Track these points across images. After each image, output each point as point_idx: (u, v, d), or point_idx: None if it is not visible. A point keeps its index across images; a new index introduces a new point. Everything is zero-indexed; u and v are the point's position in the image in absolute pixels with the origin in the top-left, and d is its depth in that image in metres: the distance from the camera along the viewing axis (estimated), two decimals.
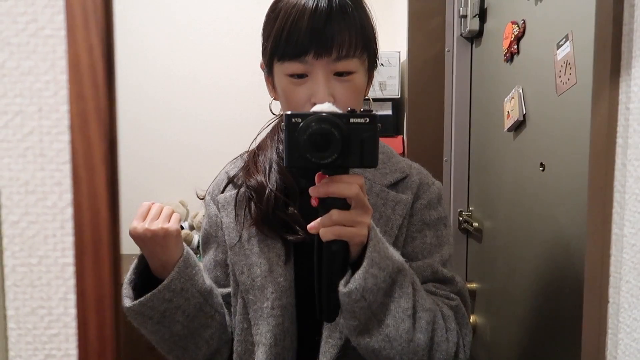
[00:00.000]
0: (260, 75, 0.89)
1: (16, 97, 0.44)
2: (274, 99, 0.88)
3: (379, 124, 0.65)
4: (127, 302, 0.78)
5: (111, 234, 0.44)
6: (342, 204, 0.66)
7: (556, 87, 1.14)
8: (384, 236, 0.74)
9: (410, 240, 0.86)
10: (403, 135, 1.82)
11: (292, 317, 0.83)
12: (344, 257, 0.69)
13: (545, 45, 1.19)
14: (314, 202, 0.67)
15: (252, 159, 0.92)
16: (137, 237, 0.77)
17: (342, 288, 0.68)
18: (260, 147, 0.93)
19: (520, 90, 1.32)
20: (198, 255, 0.90)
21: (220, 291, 0.90)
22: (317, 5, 0.75)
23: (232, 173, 0.93)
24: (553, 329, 1.18)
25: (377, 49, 0.85)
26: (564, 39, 1.10)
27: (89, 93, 0.43)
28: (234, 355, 0.88)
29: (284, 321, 0.82)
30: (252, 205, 0.86)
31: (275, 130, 0.94)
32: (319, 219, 0.67)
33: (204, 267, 0.92)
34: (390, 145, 0.95)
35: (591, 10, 0.59)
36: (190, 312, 0.81)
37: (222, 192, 0.92)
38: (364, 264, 0.68)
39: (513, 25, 1.36)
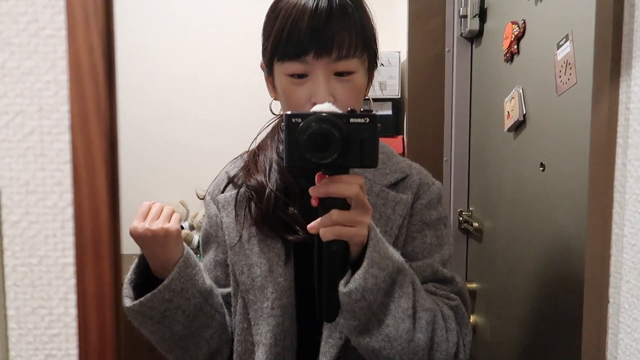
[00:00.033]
0: (261, 75, 0.89)
1: (17, 97, 0.44)
2: (274, 99, 0.88)
3: (379, 124, 0.65)
4: (128, 302, 0.78)
5: (111, 234, 0.44)
6: (342, 204, 0.66)
7: (556, 87, 1.14)
8: (384, 236, 0.74)
9: (410, 240, 0.86)
10: (403, 135, 1.82)
11: (292, 317, 0.83)
12: (344, 257, 0.69)
13: (546, 45, 1.19)
14: (314, 202, 0.67)
15: (252, 159, 0.92)
16: (137, 237, 0.77)
17: (342, 288, 0.68)
18: (261, 147, 0.93)
19: (521, 90, 1.32)
20: (198, 255, 0.90)
21: (220, 291, 0.90)
22: (317, 5, 0.75)
23: (232, 173, 0.93)
24: (553, 329, 1.18)
25: (377, 49, 0.85)
26: (564, 39, 1.10)
27: (89, 93, 0.43)
28: (234, 355, 0.88)
29: (284, 321, 0.82)
30: (252, 205, 0.86)
31: (275, 130, 0.94)
32: (319, 219, 0.67)
33: (204, 267, 0.92)
34: (390, 145, 0.95)
35: (591, 10, 0.59)
36: (191, 312, 0.81)
37: (222, 192, 0.92)
38: (364, 264, 0.68)
39: (513, 25, 1.36)
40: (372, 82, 0.88)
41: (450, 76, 1.71)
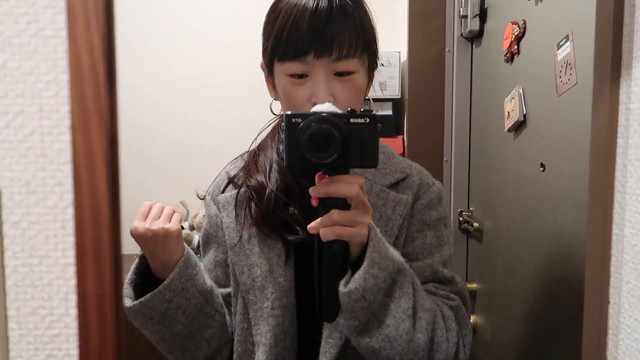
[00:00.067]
0: (261, 76, 0.90)
1: (17, 97, 0.44)
2: (275, 99, 0.88)
3: (379, 124, 0.65)
4: (128, 302, 0.78)
5: (112, 234, 0.44)
6: (343, 204, 0.66)
7: (556, 87, 1.14)
8: (384, 236, 0.74)
9: (410, 241, 0.86)
10: (403, 135, 1.82)
11: (292, 317, 0.83)
12: (344, 257, 0.69)
13: (546, 46, 1.19)
14: (314, 202, 0.67)
15: (253, 159, 0.92)
16: (138, 236, 0.77)
17: (342, 288, 0.68)
18: (261, 147, 0.93)
19: (521, 91, 1.32)
20: (198, 255, 0.90)
21: (220, 291, 0.90)
22: (317, 5, 0.75)
23: (232, 173, 0.93)
24: (553, 329, 1.18)
25: (377, 49, 0.85)
26: (565, 39, 1.10)
27: (90, 93, 0.43)
28: (234, 355, 0.88)
29: (284, 321, 0.82)
30: (253, 205, 0.86)
31: (275, 130, 0.94)
32: (319, 219, 0.67)
33: (204, 267, 0.92)
34: (391, 146, 0.95)
35: (591, 11, 0.59)
36: (191, 312, 0.81)
37: (223, 192, 0.92)
38: (364, 264, 0.68)
39: (513, 26, 1.36)
40: (372, 82, 0.88)
41: (451, 76, 1.71)
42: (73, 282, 0.45)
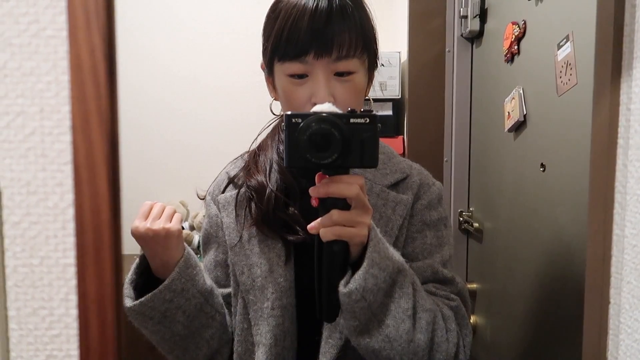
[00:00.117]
0: (261, 76, 0.90)
1: (18, 97, 0.44)
2: (275, 99, 0.88)
3: (379, 124, 0.65)
4: (128, 302, 0.78)
5: (112, 235, 0.44)
6: (343, 204, 0.66)
7: (557, 87, 1.14)
8: (384, 237, 0.74)
9: (410, 241, 0.86)
10: (403, 135, 1.82)
11: (292, 317, 0.83)
12: (344, 257, 0.69)
13: (546, 46, 1.19)
14: (314, 202, 0.67)
15: (253, 159, 0.92)
16: (138, 236, 0.77)
17: (342, 288, 0.68)
18: (261, 148, 0.93)
19: (521, 91, 1.32)
20: (198, 256, 0.90)
21: (220, 291, 0.90)
22: (317, 5, 0.75)
23: (232, 173, 0.93)
24: (554, 329, 1.18)
25: (377, 49, 0.85)
26: (565, 40, 1.10)
27: (90, 93, 0.43)
28: (234, 355, 0.88)
29: (284, 321, 0.82)
30: (253, 205, 0.86)
31: (275, 130, 0.94)
32: (319, 219, 0.67)
33: (204, 267, 0.92)
34: (391, 146, 0.95)
35: (592, 11, 0.59)
36: (191, 312, 0.81)
37: (223, 192, 0.92)
38: (364, 264, 0.68)
39: (513, 26, 1.36)
40: (372, 83, 0.88)
41: (451, 76, 1.71)
42: (73, 282, 0.45)
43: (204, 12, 2.24)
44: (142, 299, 0.77)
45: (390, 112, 1.84)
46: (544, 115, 1.22)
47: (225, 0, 2.25)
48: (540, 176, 1.22)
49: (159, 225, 0.77)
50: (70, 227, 0.44)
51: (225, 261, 0.91)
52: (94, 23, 0.42)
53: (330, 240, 0.67)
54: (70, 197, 0.44)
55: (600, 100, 0.56)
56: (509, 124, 1.37)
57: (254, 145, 0.95)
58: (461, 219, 1.72)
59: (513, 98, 1.35)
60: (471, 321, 0.87)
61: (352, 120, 0.64)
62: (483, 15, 1.58)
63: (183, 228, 2.14)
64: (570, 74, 1.08)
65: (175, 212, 0.81)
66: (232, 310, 0.89)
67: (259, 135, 0.96)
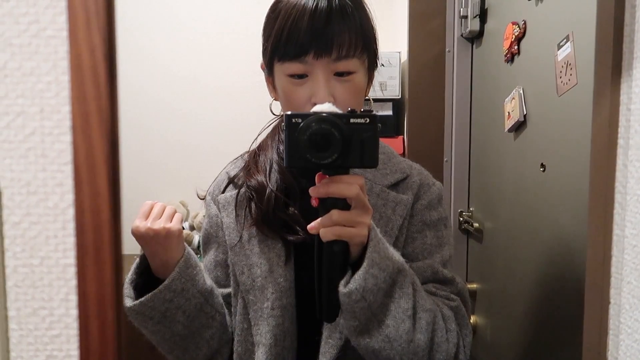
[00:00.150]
0: (261, 76, 0.90)
1: (18, 97, 0.44)
2: (275, 99, 0.88)
3: (379, 124, 0.65)
4: (128, 302, 0.78)
5: (113, 235, 0.44)
6: (343, 204, 0.66)
7: (557, 87, 1.14)
8: (384, 237, 0.74)
9: (410, 241, 0.86)
10: (403, 135, 1.82)
11: (292, 317, 0.83)
12: (344, 257, 0.69)
13: (546, 46, 1.19)
14: (314, 202, 0.67)
15: (253, 159, 0.92)
16: (139, 236, 0.77)
17: (342, 288, 0.68)
18: (261, 148, 0.93)
19: (521, 91, 1.32)
20: (199, 256, 0.90)
21: (220, 291, 0.90)
22: (317, 5, 0.75)
23: (232, 173, 0.93)
24: (554, 330, 1.18)
25: (377, 49, 0.85)
26: (565, 40, 1.10)
27: (90, 94, 0.43)
28: (234, 355, 0.88)
29: (284, 321, 0.82)
30: (253, 205, 0.86)
31: (275, 130, 0.94)
32: (319, 219, 0.67)
33: (204, 267, 0.92)
34: (391, 146, 0.95)
35: (592, 11, 0.59)
36: (191, 312, 0.81)
37: (223, 192, 0.92)
38: (364, 264, 0.68)
39: (513, 26, 1.36)
40: (372, 83, 0.88)
41: (451, 76, 1.70)
42: (73, 282, 0.45)
43: (204, 12, 2.24)
44: (142, 298, 0.77)
45: (390, 112, 1.84)
46: (544, 115, 1.22)
47: (225, 0, 2.24)
48: (540, 176, 1.22)
49: (159, 225, 0.77)
50: (71, 227, 0.44)
51: (225, 261, 0.91)
52: (94, 23, 0.42)
53: (330, 240, 0.67)
54: (70, 197, 0.44)
55: (600, 101, 0.56)
56: (509, 124, 1.37)
57: (254, 145, 0.95)
58: (461, 219, 1.72)
59: (513, 98, 1.35)
60: (471, 321, 0.87)
61: (352, 120, 0.64)
62: (483, 15, 1.58)
63: (183, 228, 2.14)
64: (570, 74, 1.08)
65: (175, 212, 0.81)
66: (232, 310, 0.89)
67: (259, 135, 0.96)
